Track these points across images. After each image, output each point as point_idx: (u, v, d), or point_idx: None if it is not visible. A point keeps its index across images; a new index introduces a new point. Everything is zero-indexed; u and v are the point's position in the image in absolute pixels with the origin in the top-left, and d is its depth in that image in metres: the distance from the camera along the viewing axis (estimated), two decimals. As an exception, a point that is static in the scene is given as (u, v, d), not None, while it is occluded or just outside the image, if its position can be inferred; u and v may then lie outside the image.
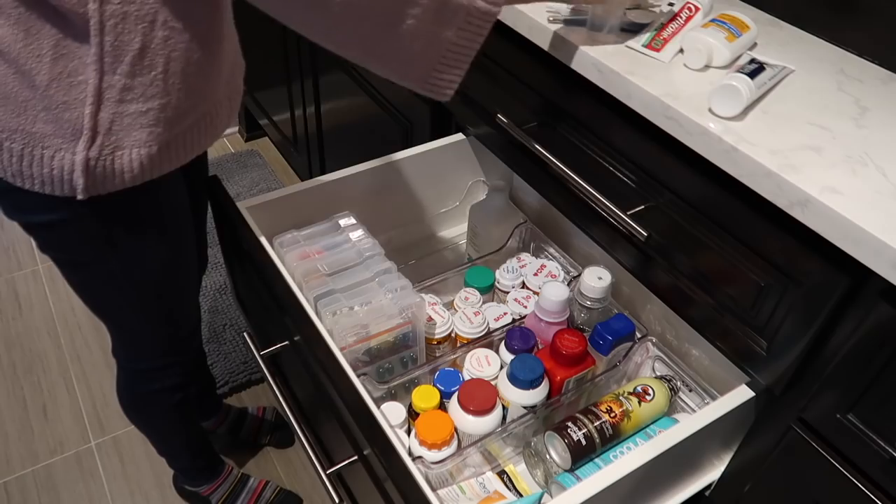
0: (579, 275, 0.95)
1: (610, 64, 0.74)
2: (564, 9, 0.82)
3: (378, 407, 0.75)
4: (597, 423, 0.80)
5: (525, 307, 0.99)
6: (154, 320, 0.95)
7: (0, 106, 0.67)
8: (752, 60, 0.71)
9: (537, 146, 0.86)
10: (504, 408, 0.83)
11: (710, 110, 0.67)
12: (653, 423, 0.85)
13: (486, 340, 0.92)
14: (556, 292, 0.87)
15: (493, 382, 0.84)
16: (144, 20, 0.64)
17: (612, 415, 0.81)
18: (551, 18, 0.81)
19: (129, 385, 1.09)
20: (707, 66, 0.75)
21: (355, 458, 0.78)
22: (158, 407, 1.11)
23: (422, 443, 0.78)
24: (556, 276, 1.02)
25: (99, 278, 0.86)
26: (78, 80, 0.66)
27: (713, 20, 0.76)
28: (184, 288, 0.96)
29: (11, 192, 0.73)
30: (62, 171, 0.70)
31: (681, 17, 0.79)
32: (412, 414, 0.83)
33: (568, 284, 0.94)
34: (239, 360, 1.63)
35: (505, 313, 0.98)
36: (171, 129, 0.73)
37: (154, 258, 0.86)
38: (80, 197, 0.71)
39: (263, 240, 0.93)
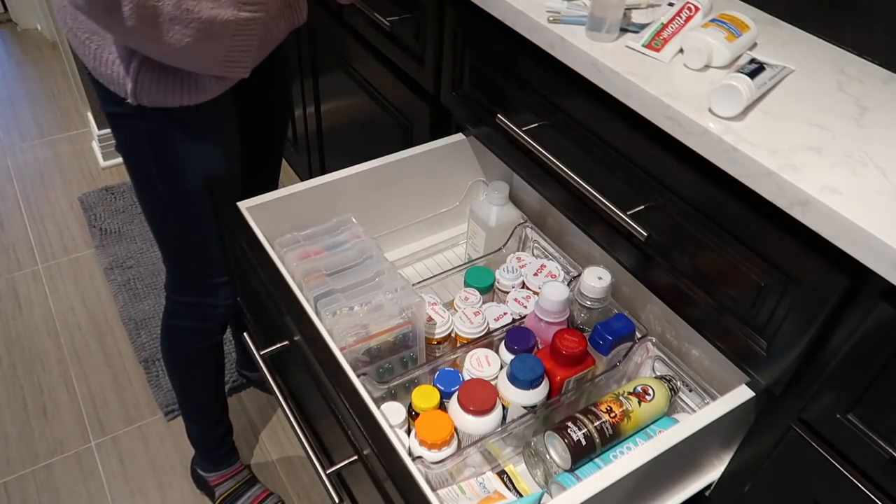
0: (579, 275, 0.95)
1: (610, 64, 0.74)
2: (564, 8, 0.82)
3: (378, 407, 0.75)
4: (597, 423, 0.80)
5: (525, 307, 0.99)
6: (189, 242, 1.03)
7: None
8: (752, 60, 0.71)
9: (537, 146, 0.86)
10: (504, 408, 0.83)
11: (710, 110, 0.67)
12: (653, 423, 0.85)
13: (486, 340, 0.92)
14: (556, 292, 0.87)
15: (493, 382, 0.84)
16: None
17: (612, 415, 0.81)
18: (551, 18, 0.81)
19: (167, 317, 1.16)
20: (707, 66, 0.75)
21: (355, 458, 0.78)
22: (184, 346, 1.18)
23: (422, 443, 0.78)
24: (556, 276, 1.02)
25: (145, 183, 0.96)
26: None
27: (713, 20, 0.76)
28: (209, 231, 1.01)
29: (97, 83, 0.88)
30: (119, 75, 0.83)
31: (681, 17, 0.79)
32: (412, 414, 0.83)
33: (568, 284, 0.94)
34: (239, 360, 1.64)
35: (505, 313, 0.98)
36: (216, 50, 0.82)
37: (190, 177, 0.94)
38: (129, 101, 0.84)
39: (263, 240, 0.93)
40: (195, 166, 0.94)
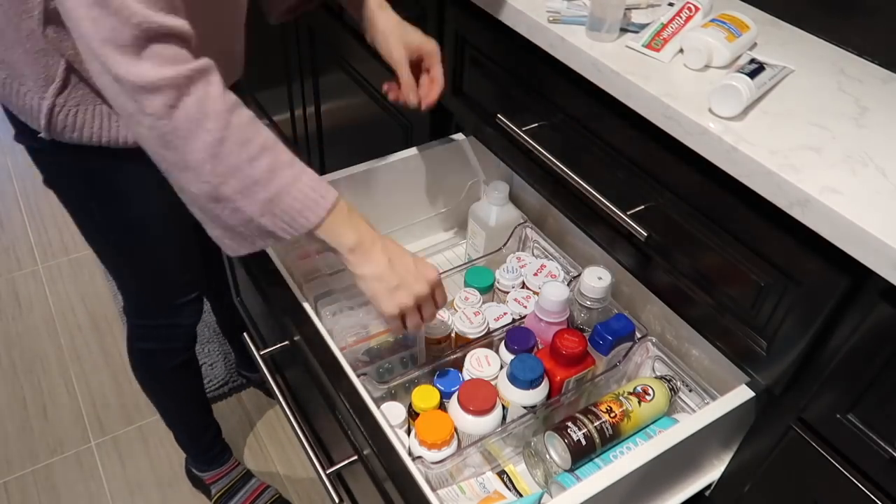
0: (579, 275, 0.95)
1: (610, 64, 0.74)
2: (564, 8, 0.82)
3: (378, 407, 0.75)
4: (597, 423, 0.80)
5: (525, 307, 0.99)
6: (142, 274, 0.97)
7: None
8: (752, 60, 0.71)
9: (537, 146, 0.86)
10: (504, 408, 0.83)
11: (709, 110, 0.67)
12: (653, 423, 0.85)
13: (486, 340, 0.92)
14: (556, 292, 0.87)
15: (493, 382, 0.84)
16: None
17: (612, 415, 0.81)
18: (551, 19, 0.81)
19: (130, 339, 1.12)
20: (707, 66, 0.75)
21: (355, 458, 0.78)
22: (157, 367, 1.14)
23: (422, 443, 0.78)
24: (556, 276, 1.02)
25: (86, 219, 0.90)
26: (60, 35, 0.71)
27: (713, 20, 0.76)
28: (173, 248, 0.96)
29: (11, 114, 0.81)
30: (32, 109, 0.76)
31: (681, 17, 0.79)
32: (412, 414, 0.83)
33: (568, 284, 0.94)
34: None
35: (505, 313, 0.98)
36: None
37: (136, 210, 0.88)
38: (41, 136, 0.77)
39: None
40: (140, 196, 0.86)
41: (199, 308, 1.08)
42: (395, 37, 0.86)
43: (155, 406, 1.25)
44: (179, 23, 0.61)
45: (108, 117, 0.77)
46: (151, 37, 0.59)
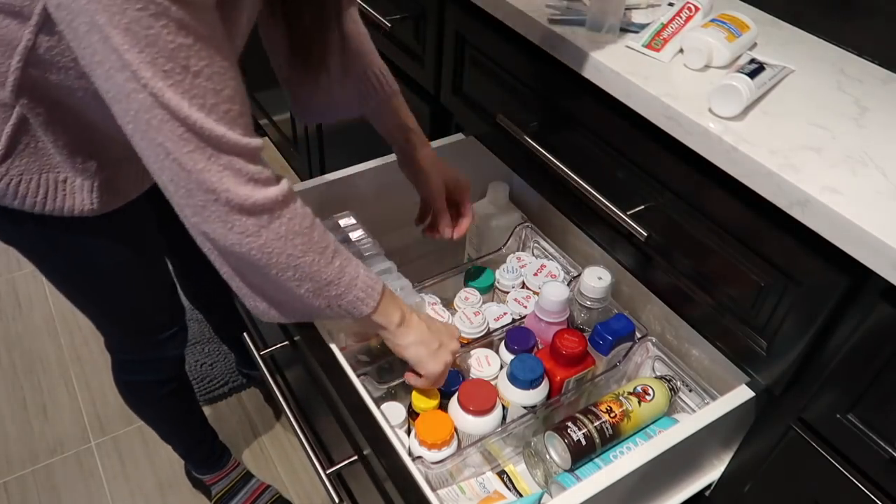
0: (579, 275, 0.95)
1: (610, 64, 0.74)
2: (564, 8, 0.82)
3: (378, 407, 0.75)
4: (597, 423, 0.80)
5: (525, 307, 0.99)
6: (117, 319, 0.97)
7: None
8: (752, 60, 0.71)
9: (537, 146, 0.86)
10: (504, 408, 0.83)
11: (709, 110, 0.67)
12: (653, 423, 0.85)
13: (486, 340, 0.92)
14: (556, 292, 0.87)
15: (493, 382, 0.84)
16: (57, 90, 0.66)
17: (612, 415, 0.81)
18: (551, 19, 0.81)
19: (117, 373, 1.12)
20: (707, 66, 0.75)
21: (355, 458, 0.78)
22: (147, 396, 1.15)
23: (422, 443, 0.78)
24: (556, 276, 1.02)
25: (52, 273, 0.88)
26: (33, 101, 0.67)
27: (713, 20, 0.76)
28: (146, 291, 0.96)
29: None
30: None
31: (681, 17, 0.79)
32: (412, 414, 0.83)
33: (568, 284, 0.94)
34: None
35: (505, 313, 0.98)
36: (82, 171, 0.74)
37: (103, 263, 0.87)
38: None
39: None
40: (102, 248, 0.85)
41: (183, 338, 1.07)
42: (436, 171, 0.92)
43: (150, 426, 1.26)
44: (258, 142, 0.60)
45: (55, 187, 0.73)
46: (246, 158, 0.59)
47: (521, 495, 0.85)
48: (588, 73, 0.77)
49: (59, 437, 1.52)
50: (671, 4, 0.83)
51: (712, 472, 0.84)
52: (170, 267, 1.05)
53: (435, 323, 0.80)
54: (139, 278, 0.93)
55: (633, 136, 0.76)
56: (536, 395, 0.82)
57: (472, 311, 0.94)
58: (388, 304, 0.74)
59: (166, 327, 1.02)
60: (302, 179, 2.02)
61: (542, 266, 1.04)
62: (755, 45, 0.79)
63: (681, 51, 0.76)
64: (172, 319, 1.04)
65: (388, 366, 0.90)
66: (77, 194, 0.75)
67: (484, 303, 1.00)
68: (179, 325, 1.05)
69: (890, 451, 0.60)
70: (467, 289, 1.01)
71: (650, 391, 0.84)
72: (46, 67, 0.64)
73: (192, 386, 1.23)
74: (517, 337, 0.88)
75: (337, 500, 0.80)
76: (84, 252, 0.84)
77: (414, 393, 0.82)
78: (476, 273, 1.03)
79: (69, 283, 0.90)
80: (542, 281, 1.01)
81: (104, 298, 0.92)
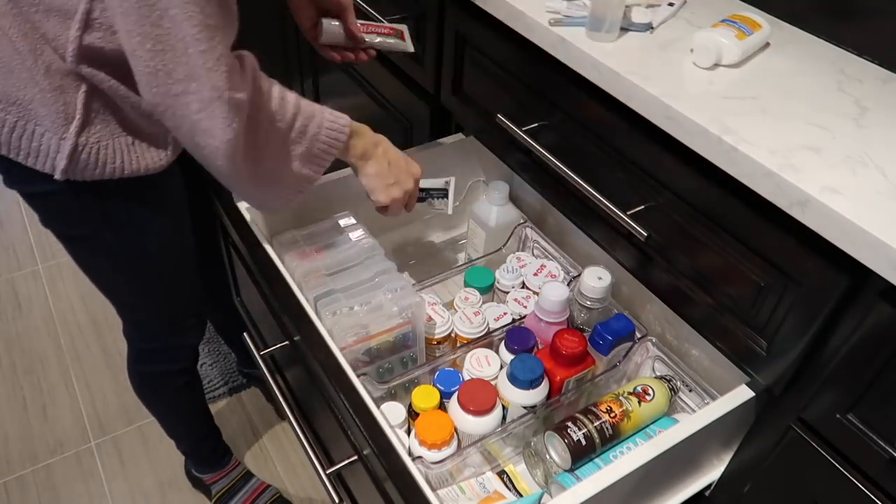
0: (579, 275, 0.95)
1: (610, 64, 0.74)
2: (564, 9, 0.82)
3: (378, 407, 0.75)
4: (597, 423, 0.80)
5: (525, 307, 0.99)
6: (153, 301, 0.98)
7: (4, 78, 0.70)
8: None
9: (537, 146, 0.86)
10: (504, 408, 0.83)
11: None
12: (653, 423, 0.85)
13: (486, 340, 0.92)
14: (556, 292, 0.87)
15: (493, 382, 0.84)
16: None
17: (612, 415, 0.81)
18: (551, 19, 0.81)
19: (135, 363, 1.12)
20: (717, 65, 0.75)
21: (355, 458, 0.78)
22: (163, 388, 1.15)
23: (422, 443, 0.78)
24: (556, 276, 1.02)
25: (97, 254, 0.89)
26: (93, 68, 0.70)
27: (724, 20, 0.76)
28: (182, 272, 0.98)
29: (8, 161, 0.76)
30: (48, 150, 0.73)
31: None
32: (412, 414, 0.83)
33: (568, 284, 0.94)
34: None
35: (505, 313, 0.98)
36: (153, 126, 0.78)
37: (151, 239, 0.89)
38: (56, 177, 0.74)
39: (263, 240, 0.93)
40: (154, 224, 0.88)
41: (203, 325, 1.10)
42: None
43: (157, 420, 1.26)
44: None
45: (128, 150, 0.77)
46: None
47: (521, 495, 0.85)
48: (588, 73, 0.77)
49: (59, 437, 1.52)
50: (671, 4, 0.83)
51: (712, 472, 0.84)
52: None
53: (399, 161, 0.88)
54: (179, 257, 0.95)
55: (632, 136, 0.76)
56: (536, 395, 0.82)
57: (472, 311, 0.94)
58: (353, 138, 0.86)
59: (193, 311, 1.04)
60: (302, 179, 2.02)
61: (542, 266, 1.04)
62: (768, 44, 0.79)
63: (691, 50, 0.76)
64: (199, 303, 1.05)
65: (388, 366, 0.91)
66: (146, 153, 0.79)
67: (484, 303, 1.00)
68: (203, 312, 1.08)
69: (890, 451, 0.60)
70: (467, 289, 1.01)
71: (650, 391, 0.84)
72: (103, 32, 0.68)
73: (201, 382, 1.24)
74: (517, 337, 0.88)
75: (337, 500, 0.80)
76: (134, 226, 0.86)
77: (414, 393, 0.82)
78: (476, 273, 1.03)
79: (112, 263, 0.90)
80: (542, 281, 1.01)
81: (144, 278, 0.94)
